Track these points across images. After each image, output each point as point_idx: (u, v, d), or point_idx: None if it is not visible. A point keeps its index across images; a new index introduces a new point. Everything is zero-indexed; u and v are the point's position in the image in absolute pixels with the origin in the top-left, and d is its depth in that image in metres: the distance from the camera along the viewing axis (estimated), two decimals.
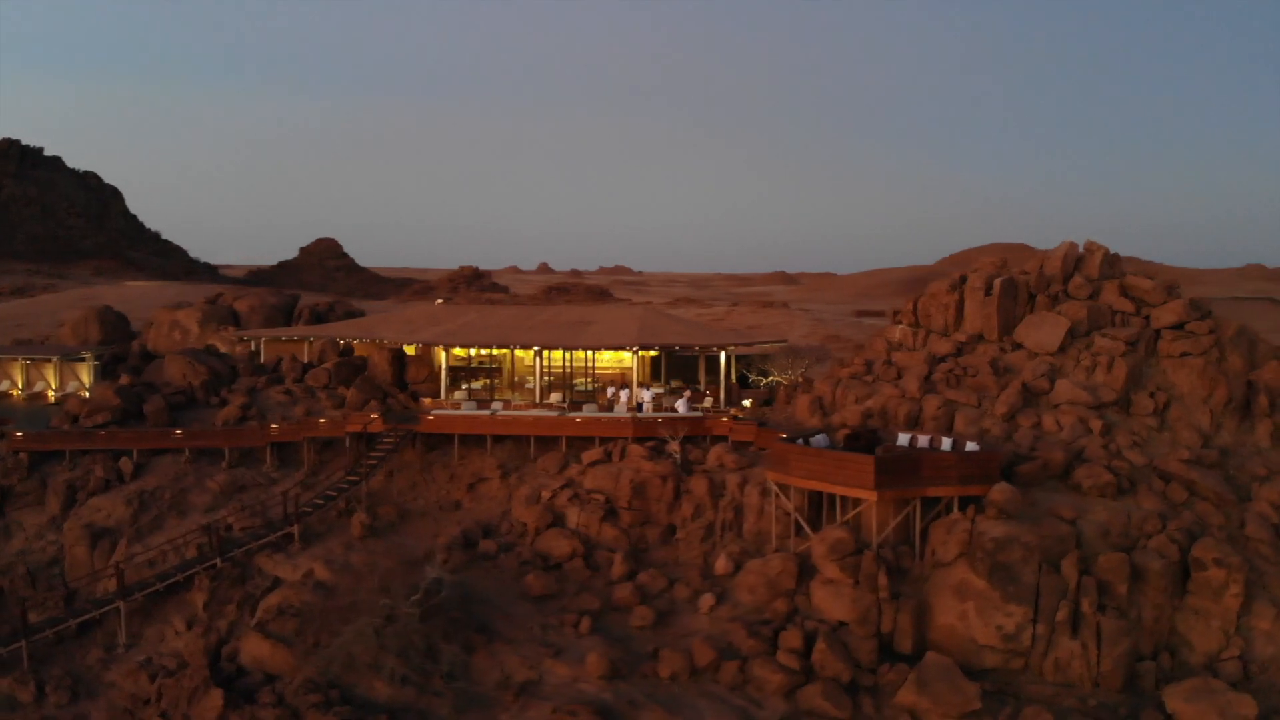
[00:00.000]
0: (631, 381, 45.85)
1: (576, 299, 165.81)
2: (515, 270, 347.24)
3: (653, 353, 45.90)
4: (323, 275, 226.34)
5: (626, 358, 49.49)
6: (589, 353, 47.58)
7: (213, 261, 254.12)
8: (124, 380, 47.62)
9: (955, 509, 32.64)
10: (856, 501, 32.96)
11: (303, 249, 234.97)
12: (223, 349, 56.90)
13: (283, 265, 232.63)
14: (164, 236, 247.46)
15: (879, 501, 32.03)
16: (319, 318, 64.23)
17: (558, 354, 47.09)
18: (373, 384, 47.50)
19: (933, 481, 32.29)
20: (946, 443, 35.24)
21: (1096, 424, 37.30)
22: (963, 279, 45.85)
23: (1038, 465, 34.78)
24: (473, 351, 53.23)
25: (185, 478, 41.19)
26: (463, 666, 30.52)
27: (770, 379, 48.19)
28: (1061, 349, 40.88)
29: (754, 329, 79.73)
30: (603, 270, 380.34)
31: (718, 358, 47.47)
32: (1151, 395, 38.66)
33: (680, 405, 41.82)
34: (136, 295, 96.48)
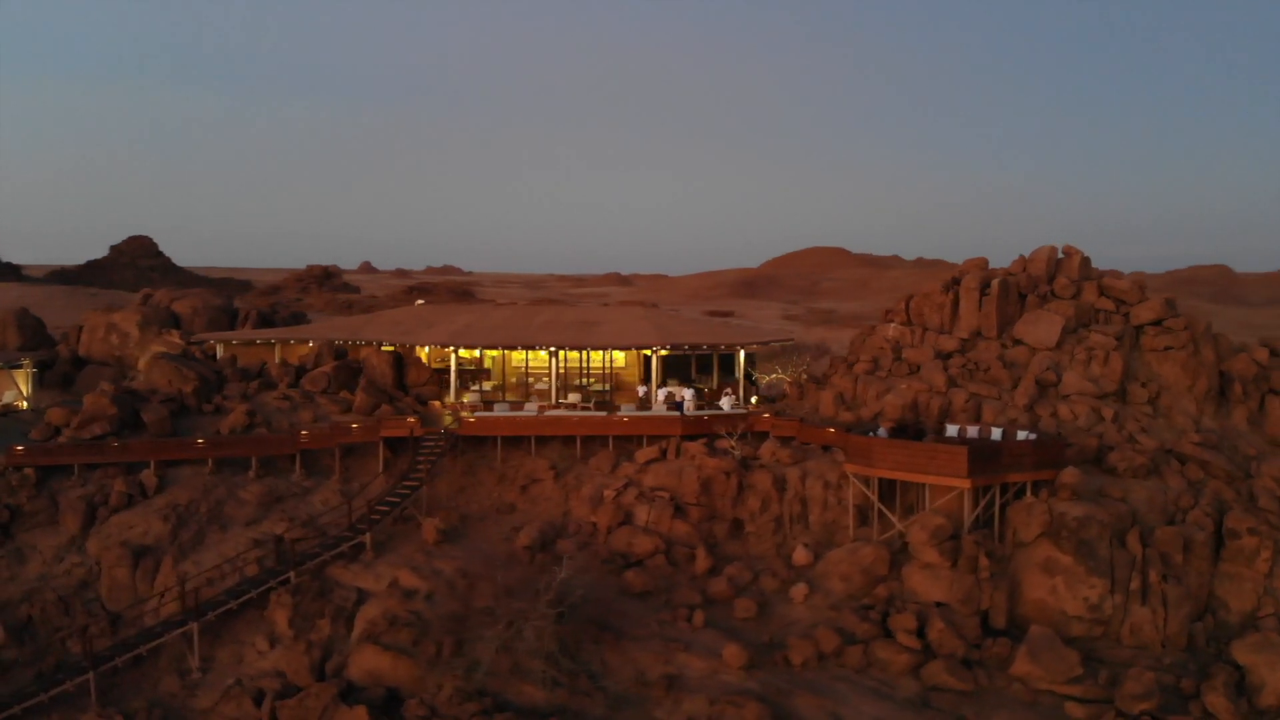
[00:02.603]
0: (651, 381, 46.51)
1: (440, 298, 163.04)
2: (335, 269, 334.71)
3: (664, 351, 46.67)
4: (136, 275, 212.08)
5: (620, 357, 50.13)
6: (605, 353, 47.88)
7: (14, 261, 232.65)
8: (107, 388, 44.18)
9: (1029, 493, 35.46)
10: (942, 490, 35.11)
11: (114, 247, 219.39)
12: (168, 353, 53.41)
13: (91, 264, 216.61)
14: None
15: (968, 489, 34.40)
16: (265, 320, 61.25)
17: (574, 354, 47.16)
18: (377, 387, 46.15)
19: (1011, 468, 34.92)
20: (996, 433, 38.02)
21: (1109, 412, 41.12)
22: (955, 280, 48.94)
23: (1074, 451, 38.15)
24: (463, 353, 52.41)
25: (215, 489, 38.85)
26: (600, 665, 30.67)
27: (775, 375, 49.95)
28: (1058, 344, 44.68)
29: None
30: (430, 270, 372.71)
31: (729, 356, 48.80)
32: (1144, 385, 42.91)
33: (724, 403, 42.96)
34: None
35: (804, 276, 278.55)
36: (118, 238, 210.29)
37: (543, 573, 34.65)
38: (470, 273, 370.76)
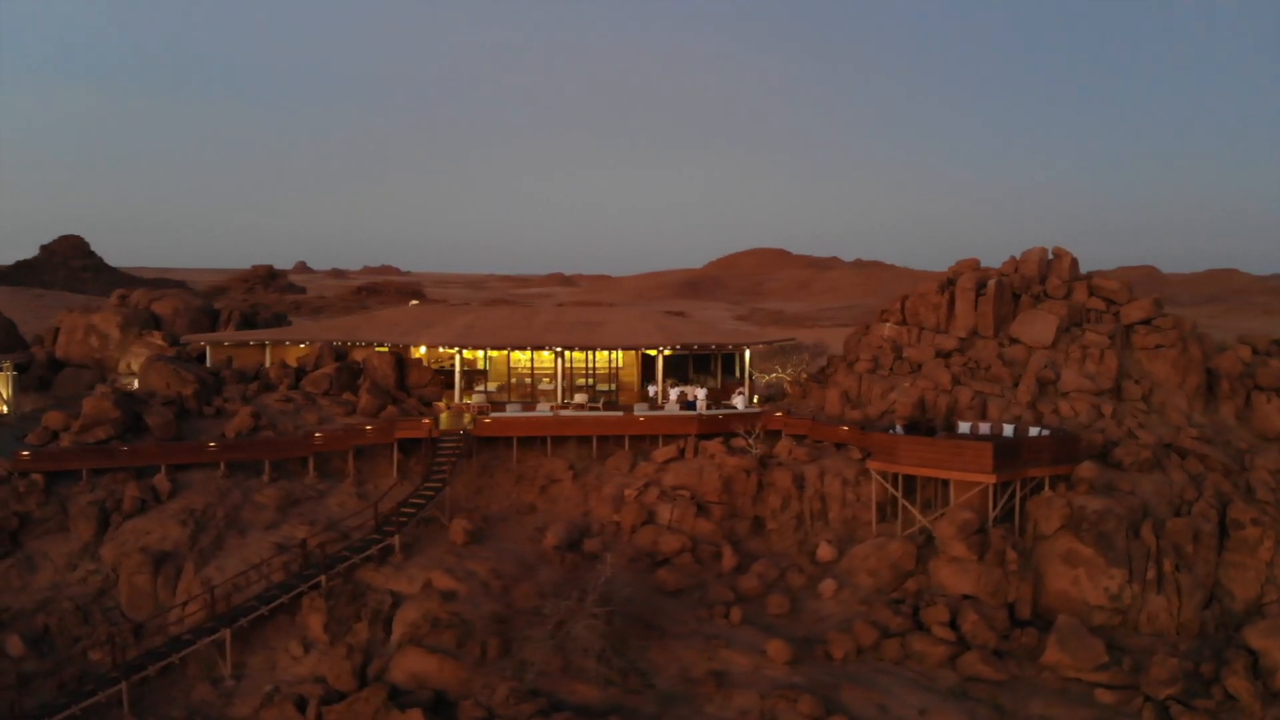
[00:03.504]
0: (659, 382, 46.76)
1: (389, 299, 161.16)
2: (270, 269, 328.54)
3: (668, 351, 46.95)
4: (68, 275, 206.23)
5: (619, 356, 50.28)
6: (610, 353, 47.98)
7: None
8: (102, 390, 43.05)
9: (1047, 487, 36.54)
10: (966, 485, 35.99)
11: (44, 247, 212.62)
12: (162, 355, 52.15)
13: (21, 264, 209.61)
14: None
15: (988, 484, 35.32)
16: (248, 321, 60.10)
17: (580, 355, 47.19)
18: (381, 389, 45.69)
19: (1030, 464, 35.97)
20: (1008, 429, 39.08)
21: (1108, 408, 42.50)
22: (950, 281, 50.02)
23: (1082, 446, 39.37)
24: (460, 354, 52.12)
25: (230, 494, 38.10)
26: (646, 663, 30.85)
27: (775, 374, 50.55)
28: (1053, 343, 46.01)
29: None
30: (368, 270, 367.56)
31: (729, 356, 49.24)
32: (1137, 383, 44.42)
33: (738, 402, 43.38)
34: None
35: (747, 277, 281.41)
36: (47, 237, 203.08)
37: (575, 572, 34.79)
38: (409, 272, 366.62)
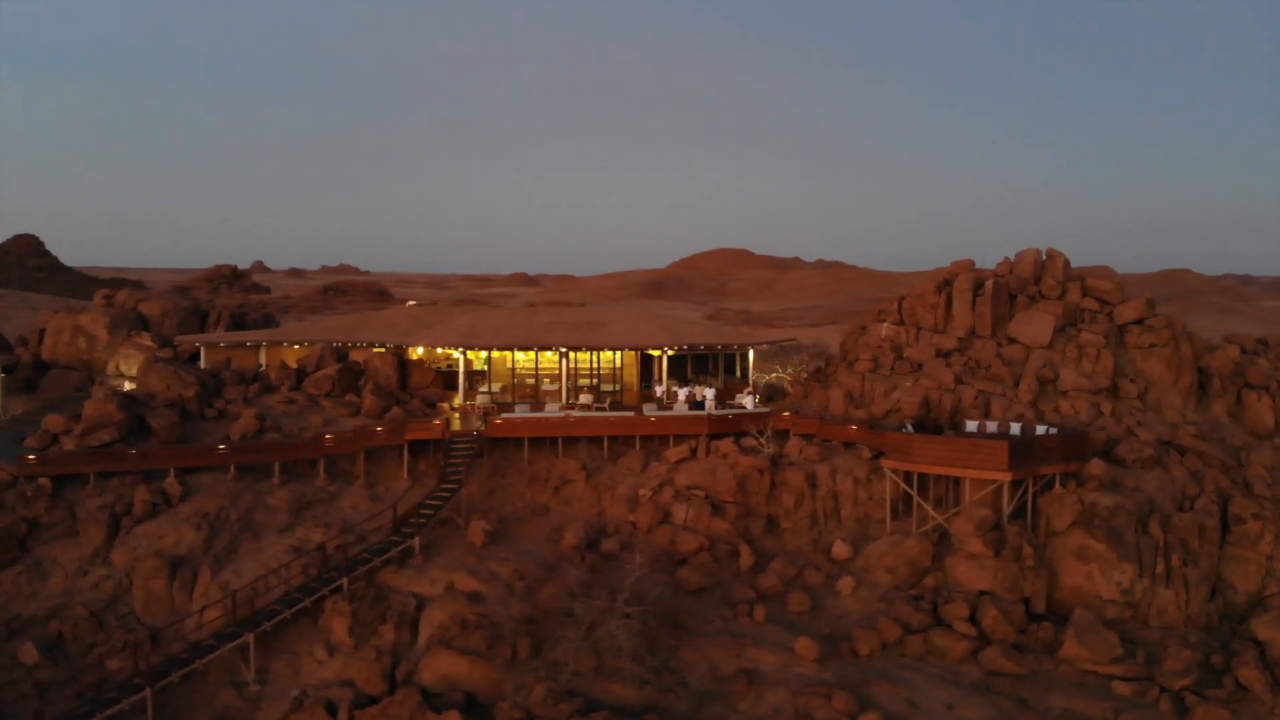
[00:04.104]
0: (664, 381, 46.89)
1: (355, 299, 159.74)
2: (234, 269, 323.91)
3: (672, 351, 47.11)
4: (23, 275, 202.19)
5: (617, 357, 50.40)
6: (615, 353, 48.03)
7: None
8: (104, 393, 42.30)
9: (1057, 484, 37.23)
10: (981, 483, 36.55)
11: None
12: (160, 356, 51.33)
13: None
14: None
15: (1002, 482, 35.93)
16: (238, 322, 59.32)
17: (585, 355, 47.19)
18: (385, 390, 45.40)
19: (1043, 461, 36.63)
20: (1015, 427, 39.77)
21: (1107, 407, 43.37)
22: (947, 281, 50.72)
23: (1090, 443, 40.14)
24: (456, 355, 51.89)
25: (242, 496, 37.63)
26: (676, 662, 30.99)
27: (775, 374, 50.91)
28: (1050, 343, 46.85)
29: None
30: (326, 269, 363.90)
31: (730, 356, 49.53)
32: (1132, 381, 45.39)
33: (747, 401, 43.65)
34: None
35: (711, 277, 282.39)
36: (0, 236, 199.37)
37: (598, 573, 34.83)
38: (368, 272, 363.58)
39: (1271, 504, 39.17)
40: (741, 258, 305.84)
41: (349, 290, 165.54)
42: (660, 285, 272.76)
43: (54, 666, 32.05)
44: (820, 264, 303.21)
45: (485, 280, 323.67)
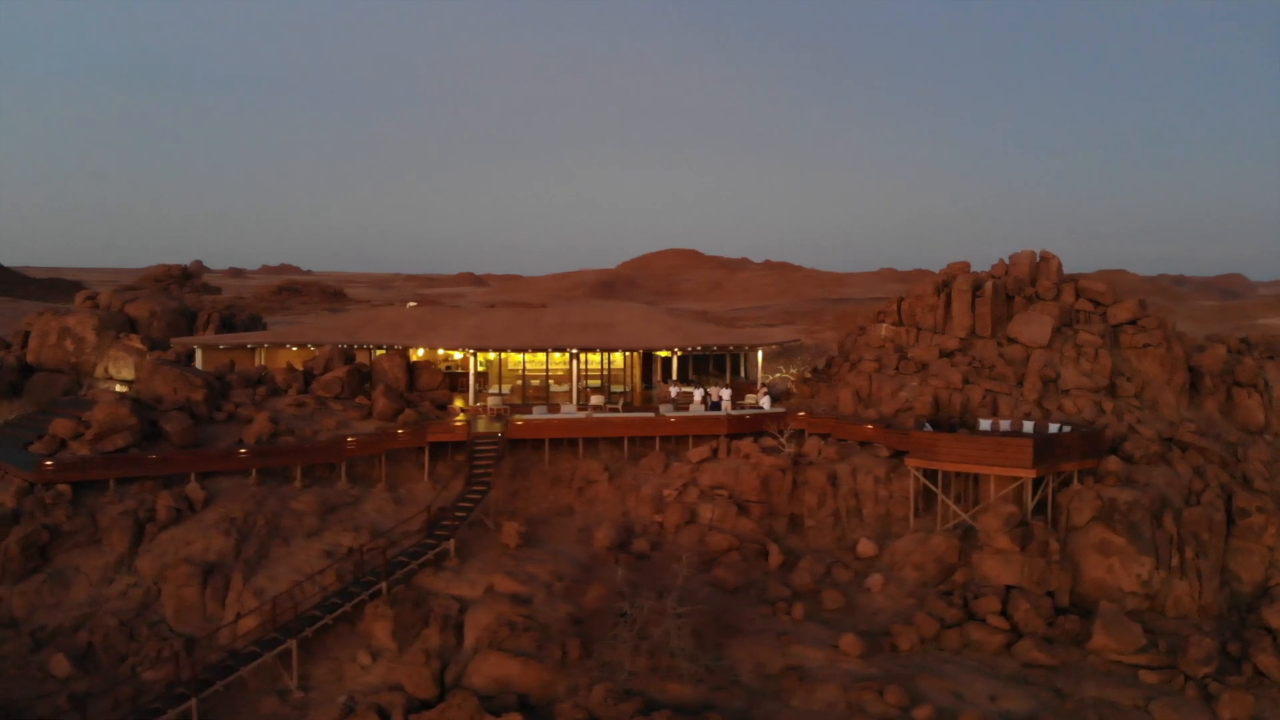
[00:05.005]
0: (675, 381, 47.12)
1: (311, 299, 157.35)
2: (184, 269, 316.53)
3: (679, 352, 47.39)
4: None
5: (620, 358, 50.58)
6: (625, 354, 48.14)
7: None
8: (109, 396, 41.27)
9: (1075, 480, 38.28)
10: (1005, 480, 37.43)
11: None
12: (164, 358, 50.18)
13: None
14: None
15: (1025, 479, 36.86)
16: (227, 324, 58.23)
17: (595, 356, 47.24)
18: (395, 392, 44.99)
19: (1063, 458, 37.63)
20: (1028, 426, 40.78)
21: (1109, 405, 44.68)
22: (946, 283, 51.74)
23: (1104, 440, 41.33)
24: (455, 356, 51.65)
25: (266, 501, 37.04)
26: (725, 660, 31.28)
27: (779, 374, 51.44)
28: (1049, 343, 48.10)
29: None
30: (266, 269, 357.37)
31: (735, 356, 49.92)
32: (1129, 380, 46.81)
33: (764, 401, 44.08)
34: None
35: (660, 278, 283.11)
36: None
37: (636, 573, 34.98)
38: (310, 271, 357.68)
39: (1271, 498, 40.78)
40: (691, 258, 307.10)
41: (304, 290, 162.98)
42: (610, 285, 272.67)
43: (87, 678, 31.26)
44: (768, 264, 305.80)
45: (431, 280, 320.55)
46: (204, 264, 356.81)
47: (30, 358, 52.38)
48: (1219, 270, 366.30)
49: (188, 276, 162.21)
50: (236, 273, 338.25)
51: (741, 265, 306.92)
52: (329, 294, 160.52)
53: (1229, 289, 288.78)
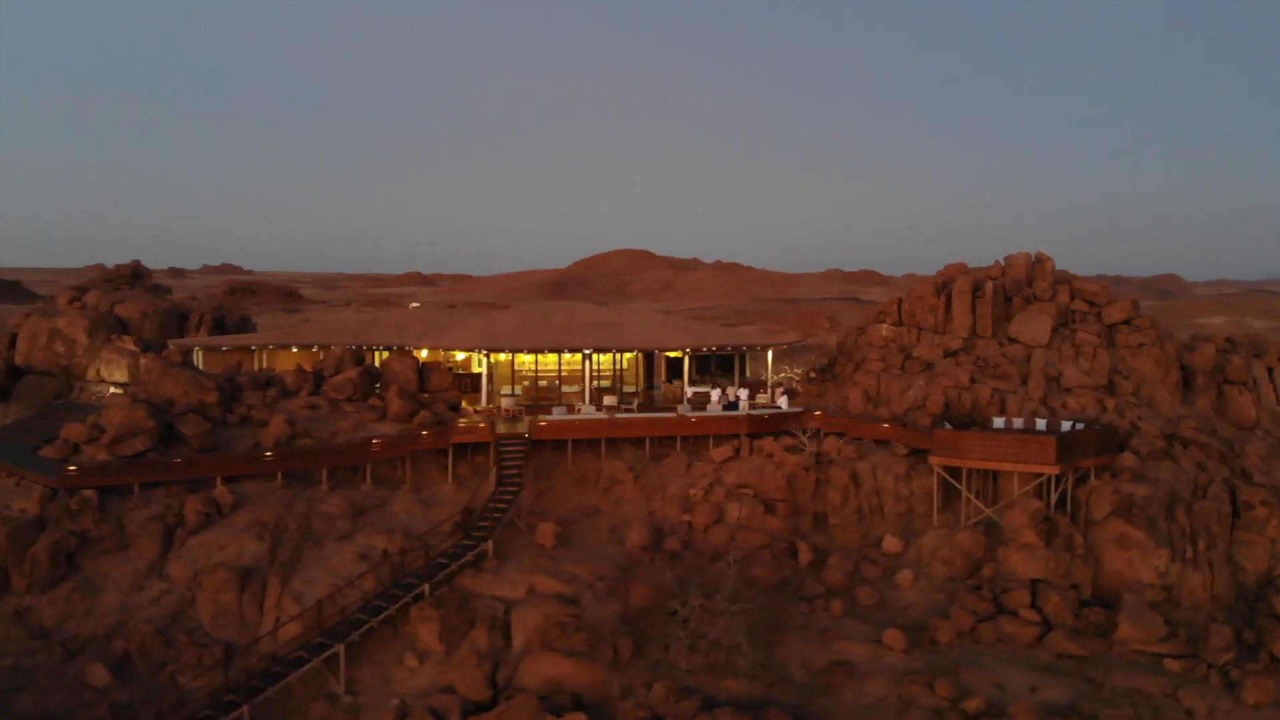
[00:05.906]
0: (685, 382, 47.42)
1: (266, 299, 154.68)
2: (134, 267, 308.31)
3: (690, 352, 47.73)
4: None
5: (626, 358, 50.77)
6: (635, 355, 48.25)
7: None
8: (122, 398, 40.34)
9: (1092, 476, 39.36)
10: (1028, 477, 38.33)
11: None
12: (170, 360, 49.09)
13: None
14: None
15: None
16: (220, 325, 57.16)
17: (606, 357, 47.33)
18: (408, 393, 44.61)
19: (1082, 455, 38.66)
20: (1041, 423, 41.81)
21: (1110, 403, 45.96)
22: (945, 284, 52.70)
23: (1119, 437, 42.51)
24: (458, 356, 51.34)
25: (295, 504, 36.53)
26: (775, 657, 31.64)
27: (783, 374, 51.98)
28: (1048, 343, 49.31)
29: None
30: (207, 269, 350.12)
31: (745, 356, 50.34)
32: (1126, 378, 48.21)
33: (782, 401, 44.53)
34: None
35: (612, 278, 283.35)
36: None
37: (676, 571, 35.15)
38: (251, 271, 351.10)
39: (1271, 491, 42.33)
40: (642, 258, 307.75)
41: (257, 290, 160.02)
42: (561, 285, 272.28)
43: (127, 687, 30.56)
44: (719, 265, 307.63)
45: (377, 280, 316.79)
46: (142, 264, 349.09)
47: (19, 360, 50.99)
48: (1155, 270, 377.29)
49: (138, 276, 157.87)
50: (177, 273, 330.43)
51: (692, 265, 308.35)
52: (284, 294, 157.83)
53: (1164, 289, 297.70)
